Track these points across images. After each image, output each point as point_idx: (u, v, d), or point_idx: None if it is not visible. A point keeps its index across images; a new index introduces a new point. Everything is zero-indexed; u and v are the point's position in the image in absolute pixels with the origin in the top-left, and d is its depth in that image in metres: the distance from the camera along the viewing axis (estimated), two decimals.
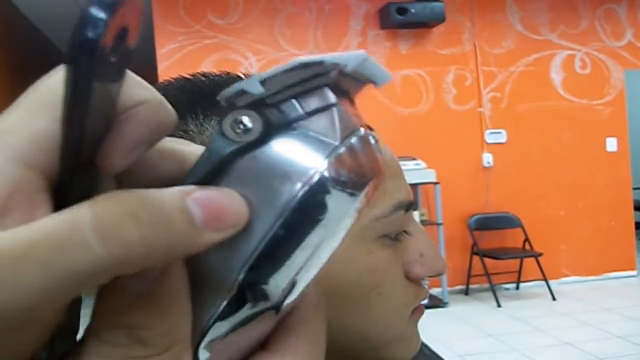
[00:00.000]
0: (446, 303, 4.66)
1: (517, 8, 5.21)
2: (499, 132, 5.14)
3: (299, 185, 0.20)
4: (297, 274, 0.20)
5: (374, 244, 0.40)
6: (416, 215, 4.65)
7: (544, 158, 5.18)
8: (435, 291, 4.74)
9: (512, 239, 5.03)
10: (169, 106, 0.21)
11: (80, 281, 0.16)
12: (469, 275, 4.95)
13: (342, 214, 0.20)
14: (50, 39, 6.34)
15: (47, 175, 0.18)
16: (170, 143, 0.23)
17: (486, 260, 4.78)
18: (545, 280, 4.73)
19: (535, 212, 5.12)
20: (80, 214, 0.16)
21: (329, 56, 0.21)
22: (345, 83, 0.22)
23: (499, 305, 4.58)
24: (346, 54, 0.21)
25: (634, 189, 5.53)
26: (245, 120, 0.21)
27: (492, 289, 4.66)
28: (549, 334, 3.86)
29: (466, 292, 4.99)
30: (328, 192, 0.20)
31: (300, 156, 0.20)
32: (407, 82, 5.01)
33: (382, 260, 0.40)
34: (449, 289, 4.82)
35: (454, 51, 5.11)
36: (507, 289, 5.08)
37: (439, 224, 4.67)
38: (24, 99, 0.19)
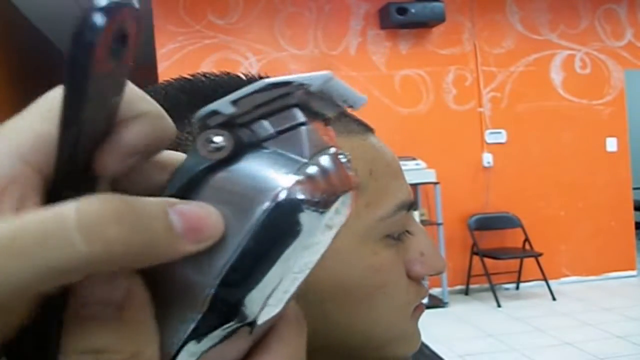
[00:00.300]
0: (446, 303, 4.66)
1: (517, 8, 5.21)
2: (499, 132, 5.14)
3: (266, 202, 0.20)
4: (271, 290, 0.21)
5: (378, 244, 0.40)
6: (416, 215, 4.65)
7: (544, 158, 5.18)
8: (435, 291, 4.74)
9: (512, 239, 5.04)
10: (169, 120, 0.22)
11: (59, 275, 0.16)
12: (469, 275, 4.96)
13: (312, 230, 0.21)
14: (50, 39, 6.35)
15: (45, 176, 0.19)
16: (168, 154, 0.23)
17: (486, 260, 4.78)
18: (545, 280, 4.73)
19: (535, 212, 5.12)
20: (66, 210, 0.17)
21: (295, 77, 0.22)
22: (317, 104, 0.23)
23: (499, 305, 4.58)
24: (312, 74, 0.22)
25: (634, 189, 5.53)
26: (217, 139, 0.22)
27: (492, 289, 4.67)
28: (549, 334, 3.86)
29: (466, 292, 4.99)
30: (296, 208, 0.20)
31: (268, 174, 0.21)
32: (407, 82, 5.02)
33: (386, 260, 0.41)
34: (449, 289, 4.82)
35: (454, 51, 5.11)
36: (507, 289, 5.08)
37: (439, 224, 4.67)
38: (35, 104, 0.20)
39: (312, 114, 0.23)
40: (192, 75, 0.42)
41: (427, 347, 0.63)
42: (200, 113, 0.22)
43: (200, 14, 4.68)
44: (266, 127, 0.22)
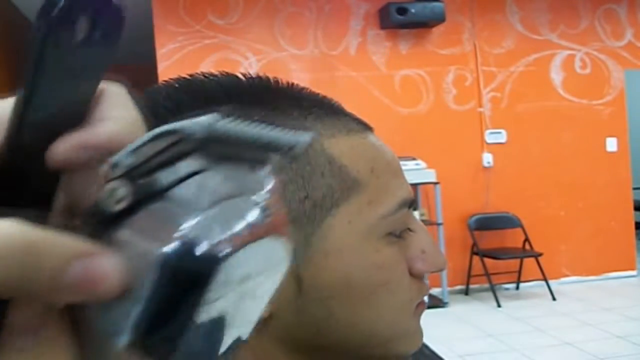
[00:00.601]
0: (446, 303, 4.66)
1: (517, 8, 5.21)
2: (499, 132, 5.14)
3: (161, 253, 0.20)
4: (178, 334, 0.21)
5: (380, 241, 0.40)
6: (416, 215, 4.64)
7: (544, 158, 5.18)
8: (435, 291, 4.74)
9: (512, 239, 5.04)
10: (142, 129, 0.22)
11: None
12: (469, 275, 4.96)
13: (208, 277, 0.21)
14: None
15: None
16: None
17: (486, 260, 4.78)
18: (545, 280, 4.73)
19: (535, 212, 5.12)
20: None
21: (182, 123, 0.22)
22: (225, 149, 0.23)
23: (499, 305, 4.58)
24: (198, 119, 0.21)
25: (634, 189, 5.54)
26: (117, 190, 0.22)
27: (492, 289, 4.67)
28: (549, 334, 3.86)
29: (466, 292, 4.99)
30: (190, 258, 0.20)
31: (162, 224, 0.21)
32: (407, 82, 5.02)
33: (389, 257, 0.41)
34: (449, 289, 4.82)
35: (454, 51, 5.11)
36: (507, 289, 5.08)
37: (439, 224, 4.67)
38: None
39: (218, 158, 0.23)
40: (192, 75, 0.42)
41: (427, 347, 0.63)
42: (104, 165, 0.22)
43: (200, 14, 4.68)
44: (165, 176, 0.22)
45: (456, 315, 4.46)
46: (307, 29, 4.85)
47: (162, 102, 0.39)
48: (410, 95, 5.01)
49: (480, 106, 5.13)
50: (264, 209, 0.23)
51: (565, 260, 5.22)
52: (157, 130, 0.22)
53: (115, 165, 0.22)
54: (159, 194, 0.22)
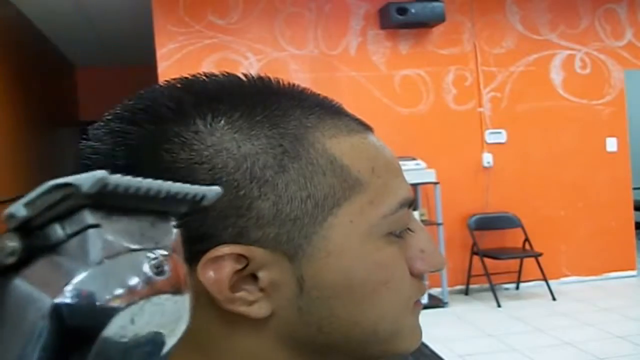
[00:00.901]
0: (446, 303, 4.66)
1: (517, 8, 5.21)
2: (499, 132, 5.14)
3: (52, 304, 0.21)
4: None
5: (381, 241, 0.41)
6: (416, 215, 4.65)
7: (544, 158, 5.19)
8: (435, 291, 4.74)
9: (512, 239, 5.04)
10: None
11: None
12: (469, 275, 4.96)
13: (98, 330, 0.21)
14: (50, 39, 6.35)
15: None
16: None
17: (486, 260, 4.78)
18: (545, 280, 4.73)
19: (535, 212, 5.12)
20: None
21: (72, 178, 0.22)
22: (115, 201, 0.23)
23: (499, 305, 4.58)
24: (86, 175, 0.21)
25: (634, 189, 5.53)
26: (9, 243, 0.22)
27: (492, 289, 4.67)
28: (549, 334, 3.86)
29: (466, 292, 4.99)
30: (80, 311, 0.21)
31: (56, 277, 0.21)
32: (407, 82, 5.02)
33: (390, 256, 0.41)
34: (449, 289, 4.82)
35: (454, 51, 5.11)
36: (507, 289, 5.08)
37: (439, 224, 4.67)
38: None
39: (118, 213, 0.23)
40: (193, 76, 0.42)
41: (427, 347, 0.64)
42: (2, 215, 0.23)
43: (200, 14, 4.68)
44: (57, 230, 0.22)
45: (456, 315, 4.47)
46: (307, 29, 4.85)
47: (165, 103, 0.39)
48: (410, 95, 5.01)
49: (480, 106, 5.13)
50: (160, 265, 0.23)
51: (565, 260, 5.22)
52: (51, 182, 0.22)
53: (10, 217, 0.22)
54: (53, 247, 0.22)
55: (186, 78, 0.40)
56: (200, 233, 0.37)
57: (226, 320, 0.39)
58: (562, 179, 5.21)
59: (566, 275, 5.21)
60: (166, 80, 0.42)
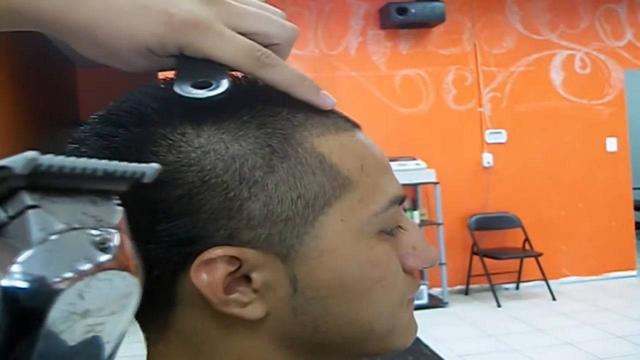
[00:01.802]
0: (446, 303, 4.66)
1: (517, 8, 5.21)
2: (499, 132, 5.14)
3: None
4: None
5: (373, 239, 0.41)
6: (416, 215, 4.66)
7: (544, 158, 5.19)
8: (435, 291, 4.74)
9: (512, 239, 5.04)
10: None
11: None
12: (469, 275, 4.96)
13: (44, 310, 0.21)
14: (50, 39, 6.35)
15: None
16: None
17: (486, 260, 4.78)
18: (545, 280, 4.74)
19: (535, 212, 5.12)
20: None
21: (5, 161, 0.22)
22: (50, 181, 0.23)
23: (499, 305, 4.58)
24: (17, 157, 0.22)
25: (634, 189, 5.54)
26: None
27: (492, 289, 4.67)
28: (549, 334, 3.86)
29: (466, 292, 4.99)
30: (25, 291, 0.21)
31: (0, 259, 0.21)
32: (407, 82, 5.02)
33: (383, 254, 0.41)
34: (449, 289, 4.82)
35: (454, 51, 5.11)
36: (507, 289, 5.08)
37: (439, 224, 4.67)
38: None
39: (56, 193, 0.23)
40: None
41: (427, 347, 0.64)
42: None
43: None
44: None
45: (456, 315, 4.47)
46: (307, 29, 4.86)
47: (151, 104, 0.39)
48: (410, 95, 5.01)
49: (480, 106, 5.13)
50: (104, 242, 0.24)
51: (565, 260, 5.23)
52: None
53: None
54: None
55: (171, 78, 0.40)
56: (191, 235, 0.37)
57: (221, 321, 0.39)
58: (562, 179, 5.21)
59: (566, 275, 5.21)
60: (151, 81, 0.42)
